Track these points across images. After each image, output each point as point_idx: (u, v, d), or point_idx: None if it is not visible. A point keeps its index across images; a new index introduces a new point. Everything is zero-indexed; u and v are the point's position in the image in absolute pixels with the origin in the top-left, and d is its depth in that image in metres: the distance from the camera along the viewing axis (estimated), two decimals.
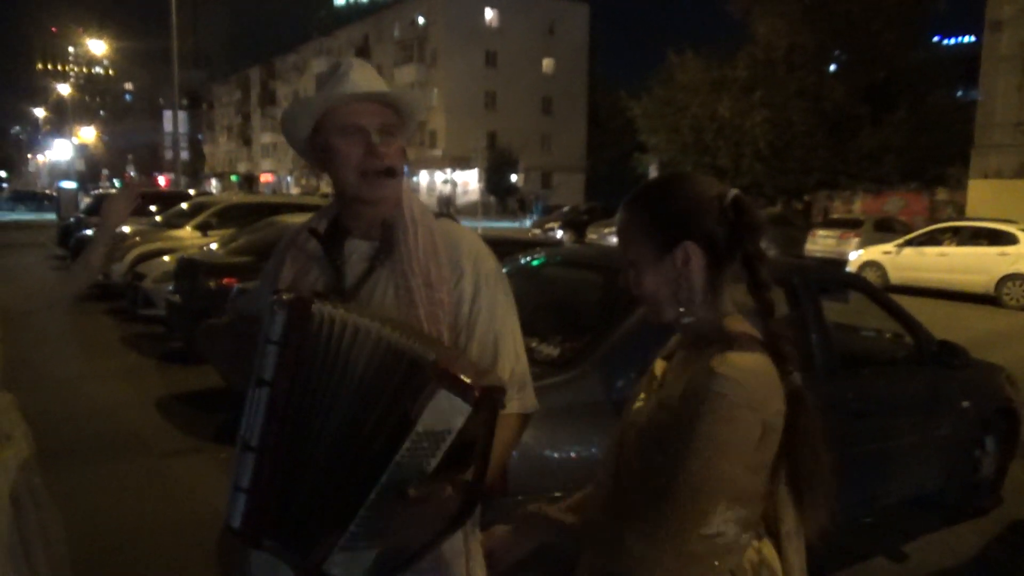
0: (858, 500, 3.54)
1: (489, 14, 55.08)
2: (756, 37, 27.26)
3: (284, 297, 1.21)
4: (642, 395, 1.33)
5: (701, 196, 1.21)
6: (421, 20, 55.82)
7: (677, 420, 1.13)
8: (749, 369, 1.11)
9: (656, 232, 1.22)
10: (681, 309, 1.22)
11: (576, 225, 27.21)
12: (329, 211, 1.51)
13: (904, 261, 15.34)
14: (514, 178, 48.52)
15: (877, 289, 4.35)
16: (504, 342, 1.41)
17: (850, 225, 19.73)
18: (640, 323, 2.98)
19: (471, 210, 34.35)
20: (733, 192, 1.21)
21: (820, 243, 19.68)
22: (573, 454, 2.64)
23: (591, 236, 25.87)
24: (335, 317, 1.19)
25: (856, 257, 16.37)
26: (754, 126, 25.81)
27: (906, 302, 4.56)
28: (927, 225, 17.89)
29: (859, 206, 29.62)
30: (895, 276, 15.22)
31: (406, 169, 1.48)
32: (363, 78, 1.39)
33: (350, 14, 72.94)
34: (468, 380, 1.11)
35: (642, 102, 29.19)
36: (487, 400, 1.13)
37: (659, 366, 1.34)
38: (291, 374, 1.18)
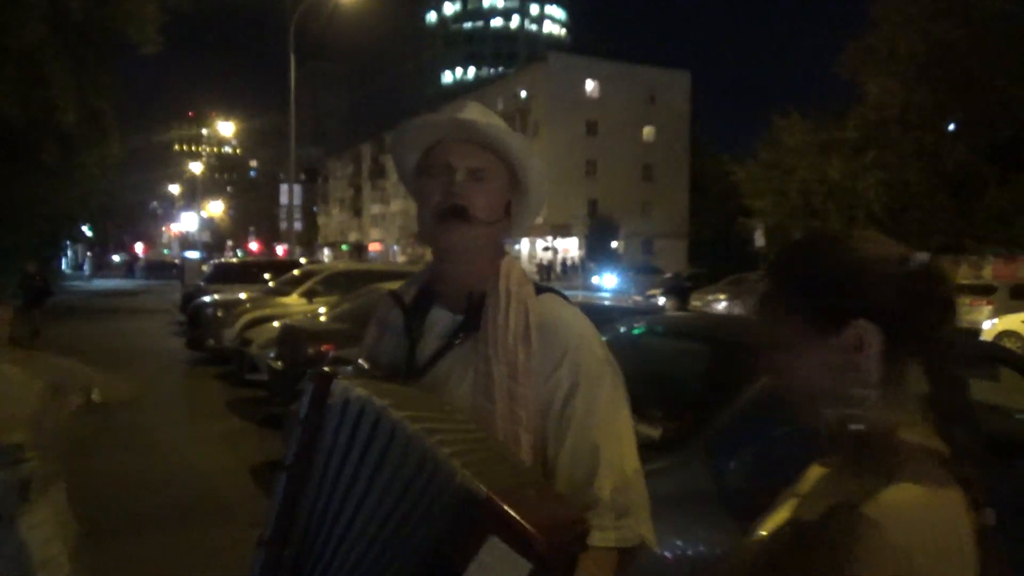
0: None
1: (590, 85, 56.06)
2: (867, 97, 26.33)
3: (311, 372, 1.03)
4: (783, 507, 1.01)
5: (878, 260, 0.91)
6: (524, 93, 57.48)
7: (801, 556, 0.84)
8: (919, 519, 0.80)
9: (817, 306, 0.91)
10: (846, 410, 0.90)
11: (679, 292, 26.52)
12: (422, 276, 1.35)
13: None
14: (614, 244, 48.28)
15: None
16: (605, 452, 1.14)
17: (981, 291, 18.26)
18: (755, 400, 2.66)
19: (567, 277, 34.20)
20: (921, 256, 0.90)
21: None
22: (675, 553, 2.32)
23: (695, 303, 25.15)
24: (356, 399, 0.96)
25: (991, 327, 15.02)
26: (867, 188, 24.71)
27: None
28: None
29: (989, 271, 27.56)
30: None
31: (511, 241, 1.29)
32: (473, 116, 1.23)
33: (457, 90, 76.30)
34: (532, 528, 0.83)
35: (746, 166, 28.59)
36: (557, 555, 0.87)
37: (814, 472, 1.02)
38: (307, 458, 0.99)
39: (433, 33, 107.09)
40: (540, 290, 1.26)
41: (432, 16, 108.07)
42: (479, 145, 1.22)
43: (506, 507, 0.84)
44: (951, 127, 26.49)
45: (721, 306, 24.04)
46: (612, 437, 1.16)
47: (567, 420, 1.15)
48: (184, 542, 4.42)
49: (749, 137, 30.53)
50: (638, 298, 26.57)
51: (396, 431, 0.92)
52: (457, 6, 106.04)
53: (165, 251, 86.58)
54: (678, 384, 3.49)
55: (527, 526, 0.84)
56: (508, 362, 1.15)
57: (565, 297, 1.30)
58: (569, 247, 50.75)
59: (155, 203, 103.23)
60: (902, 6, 24.33)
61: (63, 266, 37.72)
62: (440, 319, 1.25)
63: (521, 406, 1.13)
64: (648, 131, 57.75)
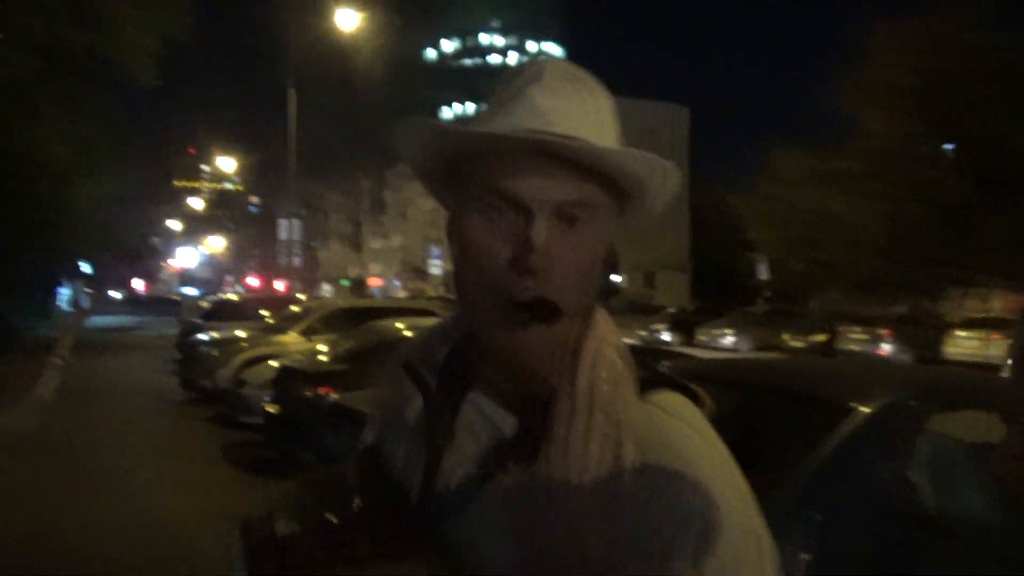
0: None
1: None
2: (865, 129, 26.25)
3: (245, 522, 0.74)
4: None
5: None
6: None
7: None
8: None
9: None
10: None
11: (684, 326, 26.17)
12: (450, 331, 0.88)
13: None
14: (616, 279, 48.06)
15: None
16: None
17: (995, 325, 17.89)
18: (828, 463, 2.27)
19: None
20: None
21: (961, 345, 17.95)
22: None
23: (701, 338, 24.76)
24: None
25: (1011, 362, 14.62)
26: (868, 220, 24.49)
27: None
28: None
29: (998, 303, 27.24)
30: None
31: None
32: (555, 106, 0.74)
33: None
34: None
35: (746, 198, 28.45)
36: None
37: None
38: None
39: (433, 69, 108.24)
40: (649, 384, 0.78)
41: (431, 53, 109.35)
42: (570, 164, 0.73)
43: None
44: (949, 158, 26.40)
45: (727, 340, 23.65)
46: None
47: None
48: None
49: (748, 169, 30.44)
50: (642, 333, 26.14)
51: None
52: (456, 43, 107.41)
53: (163, 287, 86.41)
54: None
55: None
56: (580, 526, 0.69)
57: (696, 398, 0.79)
58: None
59: (155, 239, 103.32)
60: (896, 40, 24.38)
61: (59, 302, 37.37)
62: (479, 419, 0.80)
63: None
64: None
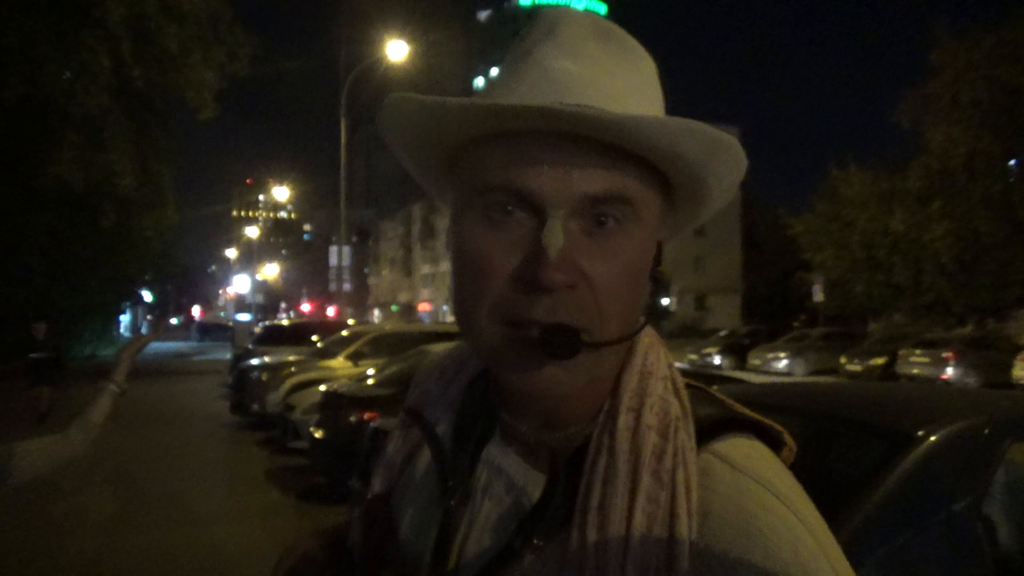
0: None
1: None
2: (929, 146, 25.49)
3: None
4: None
5: None
6: None
7: None
8: None
9: None
10: None
11: (736, 350, 25.56)
12: (464, 364, 0.75)
13: None
14: (666, 301, 47.46)
15: None
16: None
17: None
18: (894, 496, 2.09)
19: None
20: None
21: None
22: None
23: (754, 362, 24.15)
24: None
25: None
26: (934, 240, 23.64)
27: None
28: None
29: None
30: None
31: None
32: (571, 70, 0.58)
33: None
34: None
35: (804, 219, 27.81)
36: None
37: None
38: None
39: None
40: (716, 427, 0.61)
41: (480, 81, 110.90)
42: (596, 144, 0.56)
43: None
44: (1020, 174, 25.41)
45: (782, 364, 22.99)
46: None
47: None
48: None
49: (805, 189, 29.85)
50: (694, 357, 25.66)
51: None
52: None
53: (222, 313, 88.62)
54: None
55: None
56: None
57: (776, 441, 0.63)
58: None
59: (213, 266, 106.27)
60: (964, 52, 23.62)
61: (121, 328, 38.61)
62: (499, 474, 0.65)
63: None
64: None
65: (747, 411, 0.63)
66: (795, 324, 29.90)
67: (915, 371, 18.91)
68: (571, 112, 0.53)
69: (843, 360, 21.68)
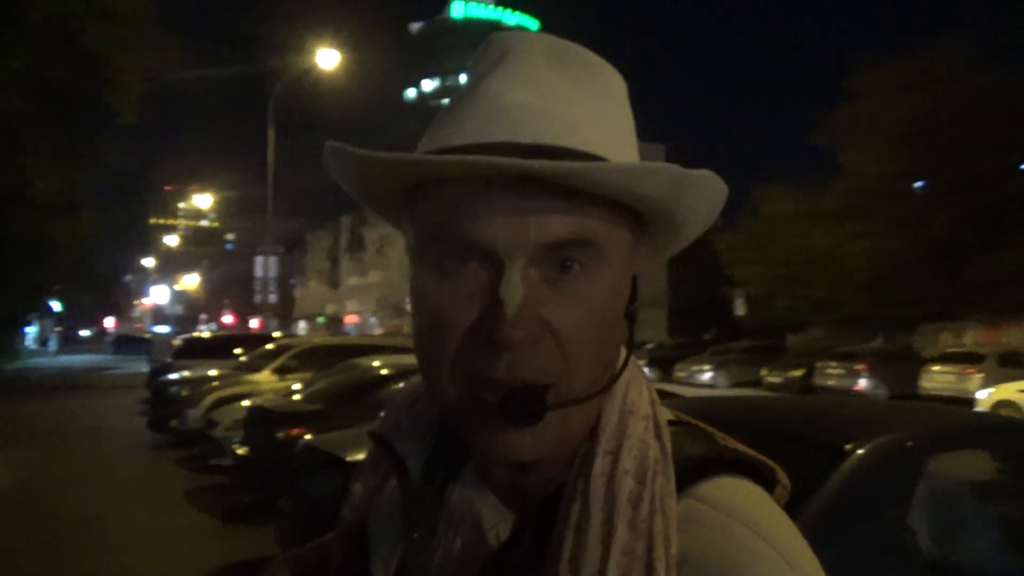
0: None
1: None
2: (846, 168, 26.73)
3: None
4: None
5: None
6: None
7: None
8: None
9: None
10: None
11: (662, 363, 26.09)
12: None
13: None
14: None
15: None
16: None
17: (970, 360, 18.02)
18: (828, 508, 2.15)
19: None
20: None
21: (936, 380, 18.02)
22: None
23: (680, 374, 24.70)
24: None
25: (986, 396, 14.67)
26: (851, 257, 24.80)
27: None
28: None
29: (971, 338, 27.54)
30: None
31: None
32: (526, 101, 0.54)
33: None
34: None
35: (728, 235, 28.72)
36: None
37: None
38: None
39: (412, 108, 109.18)
40: (701, 466, 0.57)
41: (411, 92, 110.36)
42: (554, 187, 0.52)
43: None
44: (933, 195, 26.90)
45: (706, 376, 23.61)
46: None
47: None
48: None
49: (731, 207, 30.80)
50: None
51: None
52: (436, 83, 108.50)
53: (136, 325, 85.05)
54: None
55: None
56: None
57: (768, 480, 0.60)
58: None
59: (128, 276, 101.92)
60: (880, 78, 24.91)
61: (27, 341, 36.55)
62: (470, 510, 0.62)
63: None
64: None
65: (737, 447, 0.60)
66: (706, 337, 30.79)
67: (830, 383, 19.74)
68: (510, 164, 0.48)
69: (764, 372, 22.44)
